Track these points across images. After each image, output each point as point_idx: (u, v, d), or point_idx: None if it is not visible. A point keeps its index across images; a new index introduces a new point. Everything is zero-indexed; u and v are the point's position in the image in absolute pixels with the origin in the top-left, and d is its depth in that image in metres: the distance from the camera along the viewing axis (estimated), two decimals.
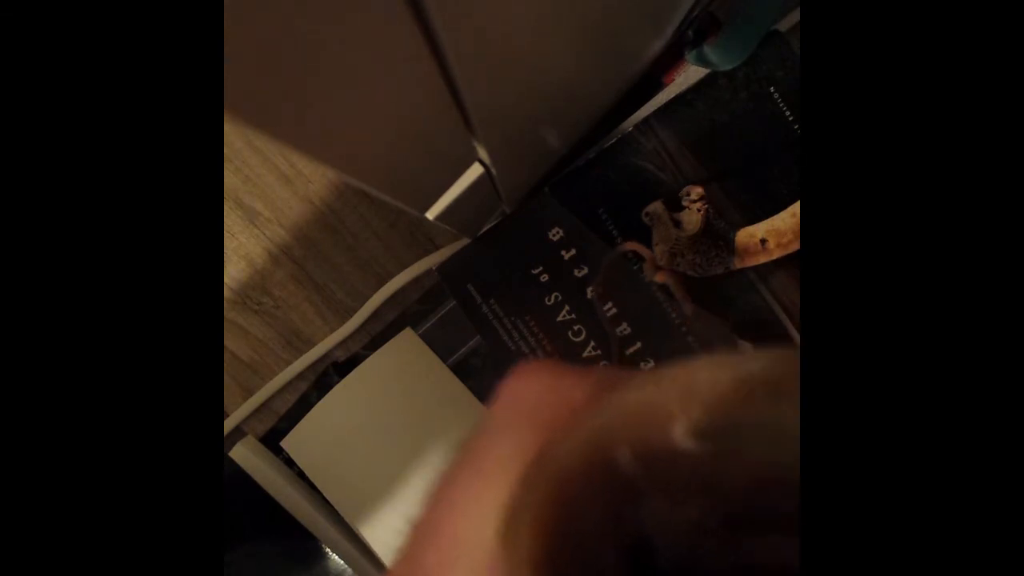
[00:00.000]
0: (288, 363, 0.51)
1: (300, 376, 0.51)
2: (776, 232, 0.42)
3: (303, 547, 0.49)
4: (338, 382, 0.47)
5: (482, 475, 0.13)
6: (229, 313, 0.51)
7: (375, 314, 0.50)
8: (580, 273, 0.45)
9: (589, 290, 0.45)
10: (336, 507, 0.47)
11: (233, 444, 0.48)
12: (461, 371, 0.49)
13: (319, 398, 0.47)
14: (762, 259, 0.42)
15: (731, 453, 0.12)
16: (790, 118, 0.43)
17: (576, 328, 0.46)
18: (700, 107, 0.43)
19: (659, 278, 0.43)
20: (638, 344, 0.45)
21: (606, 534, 0.13)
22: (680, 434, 0.12)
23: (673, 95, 0.44)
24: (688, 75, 0.43)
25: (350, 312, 0.50)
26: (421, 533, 0.14)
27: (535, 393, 0.14)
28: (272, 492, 0.47)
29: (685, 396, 0.12)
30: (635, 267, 0.44)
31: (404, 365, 0.48)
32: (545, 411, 0.14)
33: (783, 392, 0.12)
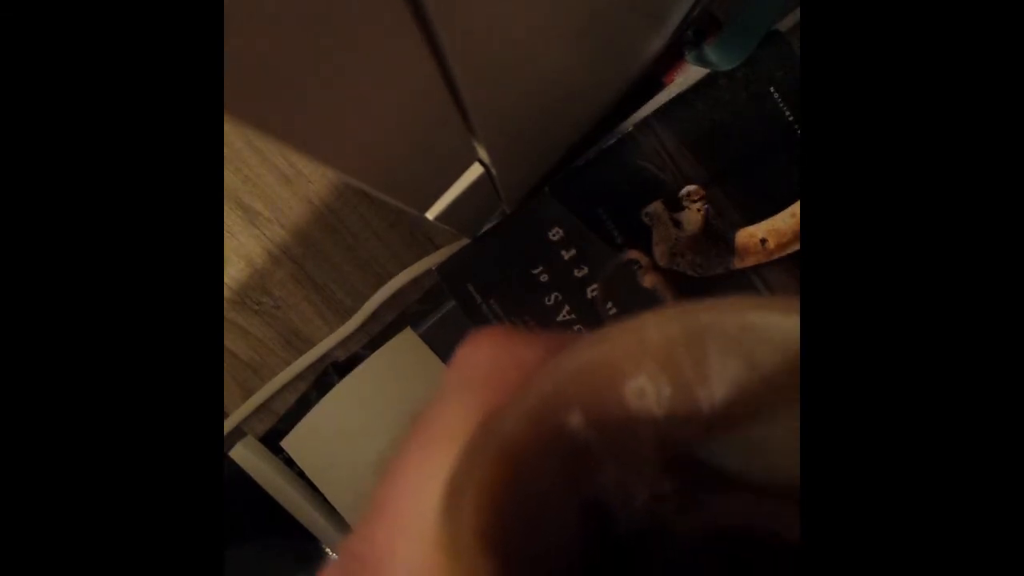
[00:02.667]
0: (288, 363, 0.51)
1: (300, 376, 0.51)
2: (776, 232, 0.42)
3: (303, 547, 0.49)
4: (338, 382, 0.47)
5: (428, 444, 0.13)
6: (229, 313, 0.51)
7: (375, 314, 0.50)
8: (580, 273, 0.45)
9: (589, 290, 0.45)
10: (336, 507, 0.47)
11: (233, 444, 0.48)
12: None
13: (319, 398, 0.47)
14: (762, 259, 0.42)
15: (685, 410, 0.12)
16: (790, 118, 0.43)
17: (576, 328, 0.46)
18: (700, 107, 0.43)
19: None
20: None
21: (561, 501, 0.12)
22: (632, 393, 0.12)
23: (673, 95, 0.43)
24: (688, 75, 0.43)
25: (350, 312, 0.50)
26: (371, 507, 0.13)
27: (485, 358, 0.14)
28: (272, 492, 0.47)
29: (636, 353, 0.12)
30: (636, 268, 0.44)
31: (404, 365, 0.48)
32: (495, 376, 0.13)
33: (736, 344, 0.12)
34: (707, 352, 0.12)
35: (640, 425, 0.12)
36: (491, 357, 0.14)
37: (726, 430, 0.12)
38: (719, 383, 0.12)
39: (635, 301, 0.45)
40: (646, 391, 0.12)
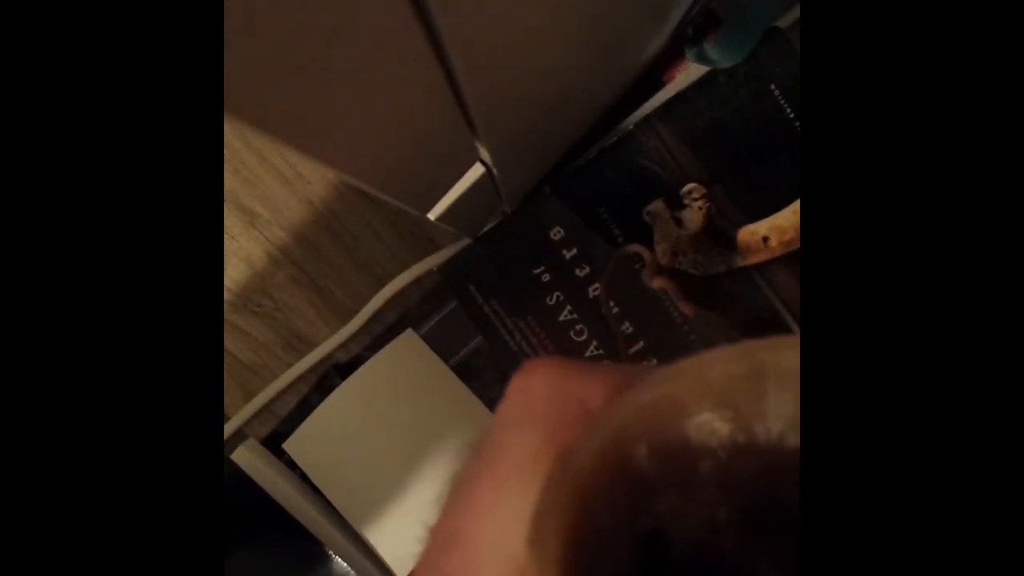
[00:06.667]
0: (289, 365, 0.51)
1: (301, 378, 0.51)
2: (778, 229, 0.42)
3: (306, 550, 0.48)
4: (339, 384, 0.47)
5: (498, 480, 0.14)
6: (229, 315, 0.50)
7: (376, 315, 0.50)
8: (582, 273, 0.45)
9: (591, 289, 0.45)
10: (339, 509, 0.47)
11: (235, 447, 0.48)
12: (463, 372, 0.48)
13: (320, 400, 0.47)
14: (764, 257, 0.42)
15: (745, 445, 0.13)
16: (791, 115, 0.42)
17: (578, 328, 0.45)
18: (701, 105, 0.43)
19: (656, 284, 0.43)
20: (641, 343, 0.45)
21: (622, 528, 0.13)
22: (694, 429, 0.13)
23: (674, 93, 0.43)
24: (689, 73, 0.43)
25: (351, 313, 0.50)
26: (441, 539, 0.14)
27: (544, 392, 0.14)
28: (274, 494, 0.47)
29: (699, 391, 0.12)
30: (638, 267, 0.44)
31: (406, 366, 0.48)
32: (555, 410, 0.14)
33: (793, 380, 0.12)
34: (766, 389, 0.12)
35: (701, 458, 0.13)
36: (548, 391, 0.14)
37: (786, 463, 0.13)
38: (775, 418, 0.12)
39: (637, 300, 0.44)
40: (707, 427, 0.13)
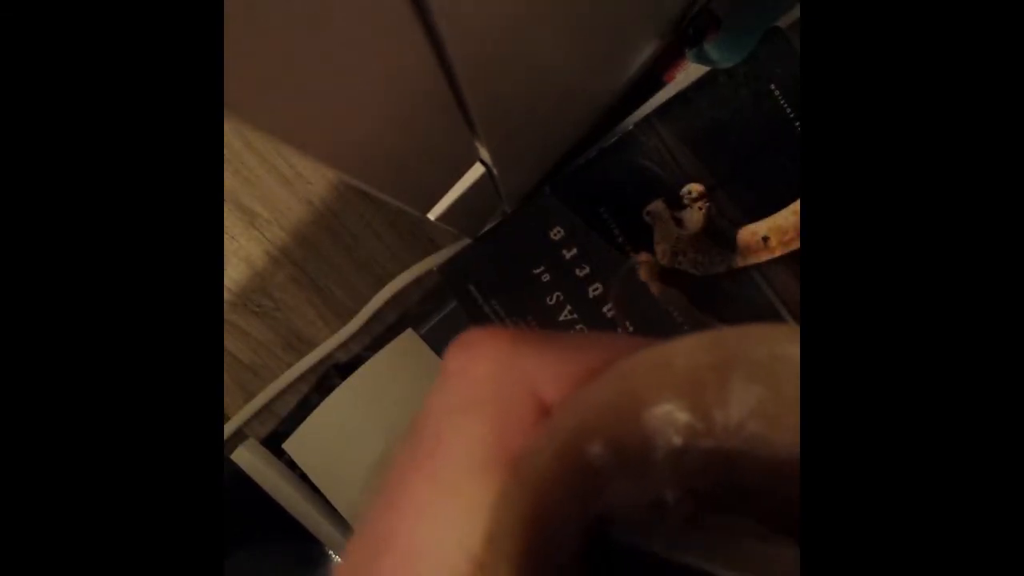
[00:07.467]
0: (289, 365, 0.51)
1: (301, 378, 0.51)
2: (778, 229, 0.42)
3: (306, 550, 0.48)
4: (339, 384, 0.47)
5: (437, 478, 0.12)
6: (229, 315, 0.50)
7: (376, 315, 0.50)
8: (582, 273, 0.45)
9: (591, 289, 0.45)
10: (339, 509, 0.47)
11: (235, 447, 0.48)
12: None
13: (320, 400, 0.47)
14: (764, 257, 0.42)
15: (703, 431, 0.12)
16: (791, 115, 0.42)
17: (578, 328, 0.45)
18: (701, 105, 0.43)
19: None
20: None
21: (572, 523, 0.12)
22: (650, 419, 0.12)
23: (674, 93, 0.43)
24: (688, 73, 0.43)
25: (351, 313, 0.50)
26: (373, 540, 0.12)
27: (489, 375, 0.13)
28: (274, 495, 0.47)
29: (661, 383, 0.12)
30: (636, 265, 0.44)
31: (405, 366, 0.48)
32: (502, 398, 0.12)
33: (762, 371, 0.12)
34: (731, 378, 0.12)
35: (656, 446, 0.12)
36: (493, 373, 0.13)
37: (743, 448, 0.12)
38: (738, 405, 0.12)
39: (637, 301, 0.44)
40: (666, 417, 0.12)
